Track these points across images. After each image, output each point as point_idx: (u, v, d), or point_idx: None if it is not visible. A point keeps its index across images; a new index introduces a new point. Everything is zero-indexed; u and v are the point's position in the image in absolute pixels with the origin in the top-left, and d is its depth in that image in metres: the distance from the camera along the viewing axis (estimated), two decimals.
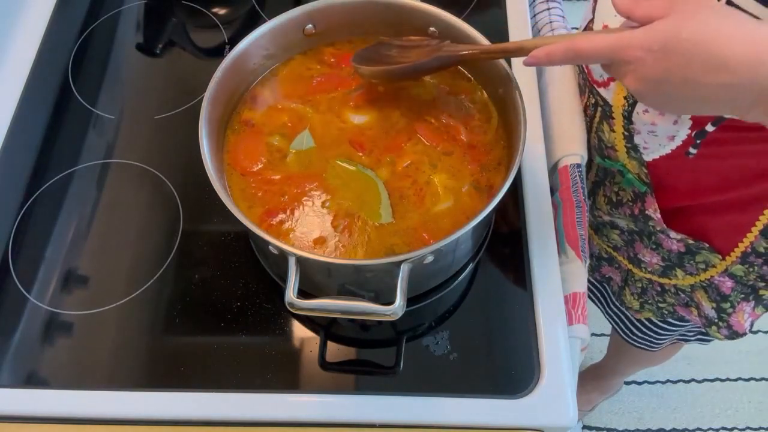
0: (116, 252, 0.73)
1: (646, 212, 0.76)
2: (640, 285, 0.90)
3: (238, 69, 0.68)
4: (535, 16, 0.89)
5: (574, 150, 0.76)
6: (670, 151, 0.68)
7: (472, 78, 0.72)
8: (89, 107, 0.83)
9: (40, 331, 0.68)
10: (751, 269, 0.75)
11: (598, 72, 0.71)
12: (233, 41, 0.87)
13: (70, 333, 0.68)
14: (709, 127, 0.63)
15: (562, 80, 0.82)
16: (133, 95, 0.85)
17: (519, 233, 0.72)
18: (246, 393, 0.64)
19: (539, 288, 0.69)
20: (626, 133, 0.71)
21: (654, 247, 0.81)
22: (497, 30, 0.86)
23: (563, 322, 0.67)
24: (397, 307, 0.54)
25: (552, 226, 0.72)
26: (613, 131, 0.72)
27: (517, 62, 0.83)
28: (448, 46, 0.65)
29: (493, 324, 0.68)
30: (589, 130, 0.79)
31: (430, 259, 0.58)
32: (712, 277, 0.79)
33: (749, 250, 0.72)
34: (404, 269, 0.55)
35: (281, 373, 0.65)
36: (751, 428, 1.49)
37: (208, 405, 0.63)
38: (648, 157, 0.71)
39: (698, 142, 0.65)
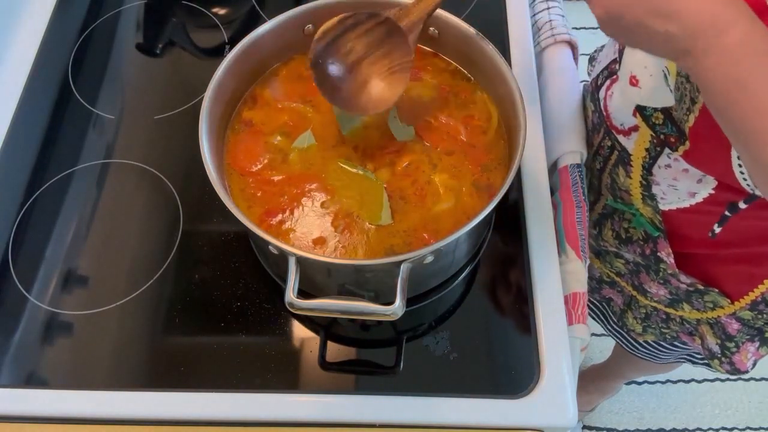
0: (116, 252, 0.73)
1: (658, 254, 0.75)
2: (644, 311, 0.88)
3: (238, 69, 0.68)
4: (534, 15, 0.89)
5: (573, 147, 0.76)
6: (689, 206, 0.67)
7: (472, 78, 0.72)
8: (89, 107, 0.83)
9: (40, 331, 0.68)
10: (759, 316, 0.74)
11: (619, 120, 0.69)
12: (233, 41, 0.87)
13: (70, 333, 0.68)
14: (742, 204, 0.63)
15: (562, 77, 0.81)
16: (133, 95, 0.85)
17: (519, 233, 0.72)
18: (246, 393, 0.64)
19: (539, 288, 0.69)
20: (644, 182, 0.69)
21: (662, 282, 0.79)
22: (497, 30, 0.86)
23: (563, 322, 0.67)
24: (397, 307, 0.54)
25: (552, 226, 0.72)
26: (630, 177, 0.71)
27: (517, 62, 0.83)
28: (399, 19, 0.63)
29: (493, 324, 0.68)
30: (602, 170, 0.77)
31: (430, 259, 0.58)
32: (719, 316, 0.77)
33: (759, 299, 0.72)
34: (404, 269, 0.55)
35: (281, 373, 0.65)
36: (751, 428, 1.49)
37: (208, 405, 0.63)
38: (664, 207, 0.70)
39: (728, 214, 0.65)
